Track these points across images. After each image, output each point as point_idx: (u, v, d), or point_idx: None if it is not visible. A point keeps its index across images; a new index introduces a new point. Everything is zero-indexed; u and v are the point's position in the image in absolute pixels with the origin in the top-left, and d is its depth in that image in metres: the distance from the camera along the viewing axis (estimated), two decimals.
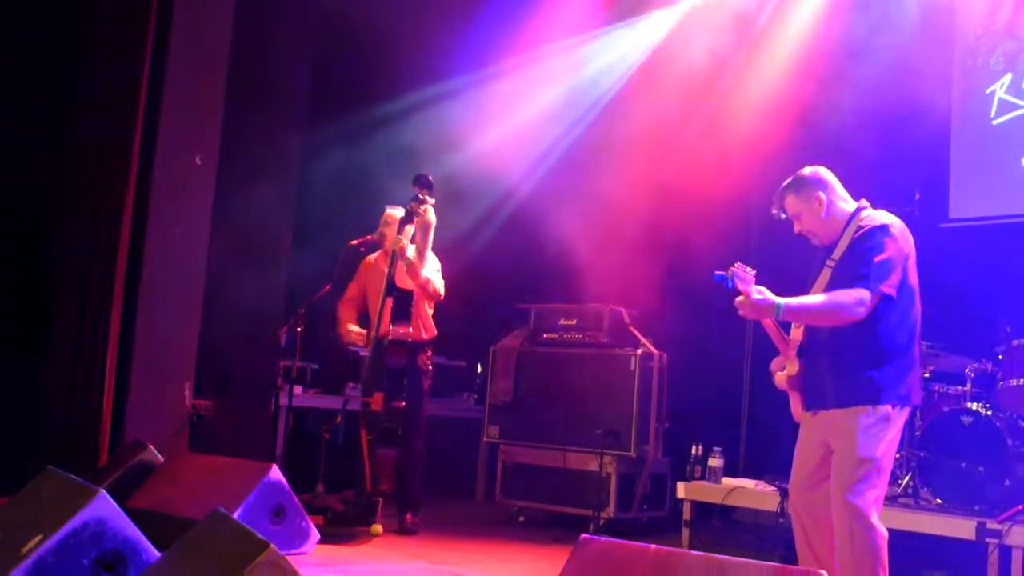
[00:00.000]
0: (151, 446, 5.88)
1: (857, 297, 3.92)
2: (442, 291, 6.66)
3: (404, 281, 6.48)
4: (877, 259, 3.96)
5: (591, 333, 7.54)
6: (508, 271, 8.50)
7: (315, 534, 5.56)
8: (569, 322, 7.68)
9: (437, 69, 8.27)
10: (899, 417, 4.02)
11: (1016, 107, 7.49)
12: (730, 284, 3.92)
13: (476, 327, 8.41)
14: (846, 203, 4.23)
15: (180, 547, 3.43)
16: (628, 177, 8.37)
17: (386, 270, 6.48)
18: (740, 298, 3.96)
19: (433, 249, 6.67)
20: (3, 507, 4.32)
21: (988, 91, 7.68)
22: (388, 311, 6.37)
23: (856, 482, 3.93)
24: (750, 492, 6.51)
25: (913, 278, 4.11)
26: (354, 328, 6.85)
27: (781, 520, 6.04)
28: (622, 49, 8.89)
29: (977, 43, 7.77)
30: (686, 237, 8.21)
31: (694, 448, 6.91)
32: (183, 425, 6.65)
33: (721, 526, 7.59)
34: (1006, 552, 5.21)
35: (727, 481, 6.72)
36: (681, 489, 6.73)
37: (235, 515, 4.10)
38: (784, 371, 4.27)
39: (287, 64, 7.59)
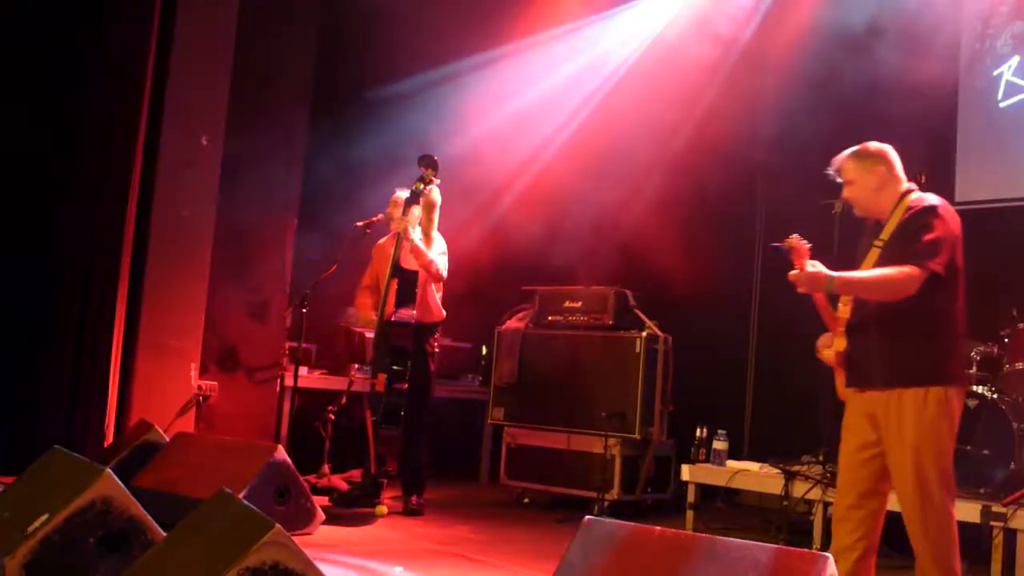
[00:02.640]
0: (156, 426, 5.91)
1: (907, 273, 3.89)
2: (444, 272, 6.64)
3: (409, 262, 6.48)
4: (927, 238, 3.94)
5: (596, 315, 7.52)
6: (514, 253, 8.48)
7: (320, 515, 5.58)
8: (574, 304, 7.66)
9: (446, 50, 8.24)
10: (952, 399, 3.94)
11: None
12: (780, 252, 3.92)
13: (481, 308, 8.40)
14: (899, 184, 4.20)
15: (185, 527, 3.44)
16: (634, 160, 8.35)
17: (392, 252, 6.48)
18: (794, 271, 3.92)
19: (439, 230, 6.67)
20: (9, 486, 4.33)
21: (995, 73, 7.64)
22: (393, 293, 6.38)
23: (921, 470, 3.86)
24: (754, 475, 6.51)
25: (959, 259, 4.07)
26: (363, 313, 6.87)
27: (785, 503, 6.05)
28: (629, 28, 8.85)
29: (985, 25, 7.72)
30: (692, 219, 8.20)
31: (699, 430, 6.91)
32: (188, 405, 6.68)
33: (725, 509, 7.59)
34: (1011, 535, 5.21)
35: (731, 464, 6.70)
36: (685, 471, 6.73)
37: (240, 495, 4.11)
38: (831, 347, 4.23)
39: (293, 46, 7.57)
